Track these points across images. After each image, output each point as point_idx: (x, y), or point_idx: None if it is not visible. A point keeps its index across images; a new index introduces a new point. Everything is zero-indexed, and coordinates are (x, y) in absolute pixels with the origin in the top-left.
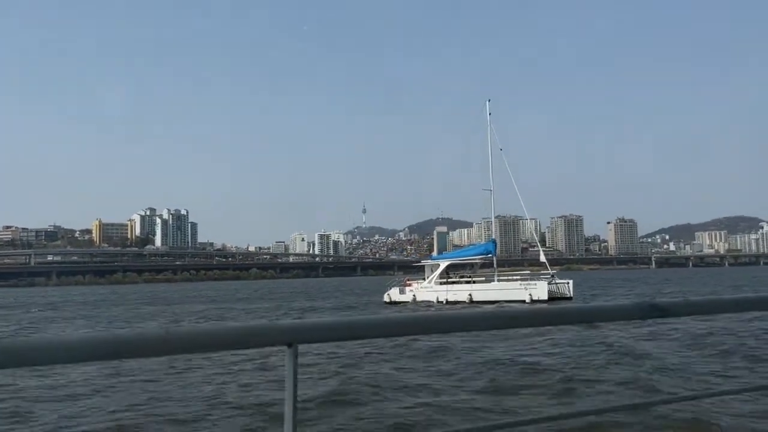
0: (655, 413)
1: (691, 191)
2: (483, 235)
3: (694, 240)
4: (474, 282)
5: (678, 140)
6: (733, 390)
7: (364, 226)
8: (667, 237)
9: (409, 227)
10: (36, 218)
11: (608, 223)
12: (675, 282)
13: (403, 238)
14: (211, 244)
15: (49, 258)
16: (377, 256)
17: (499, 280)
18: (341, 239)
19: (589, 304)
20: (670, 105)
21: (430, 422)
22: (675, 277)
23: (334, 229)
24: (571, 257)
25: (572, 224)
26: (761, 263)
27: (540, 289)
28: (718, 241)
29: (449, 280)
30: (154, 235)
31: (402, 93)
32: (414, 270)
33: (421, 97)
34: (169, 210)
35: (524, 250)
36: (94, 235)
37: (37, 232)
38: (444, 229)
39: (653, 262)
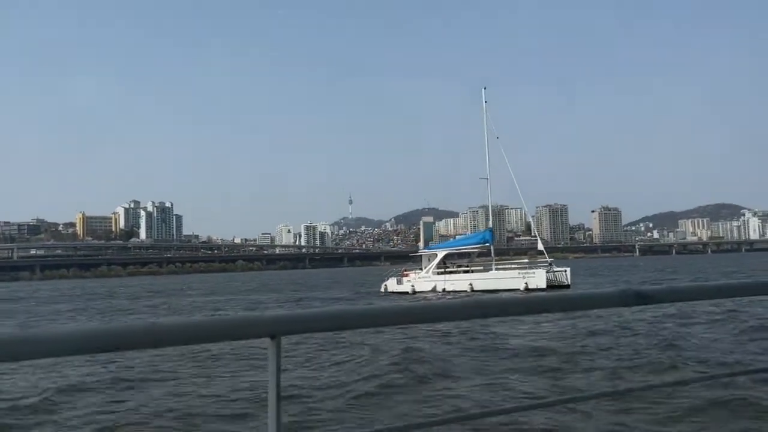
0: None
1: (674, 179)
2: (469, 225)
3: (678, 228)
4: (472, 271)
5: (662, 128)
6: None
7: (350, 216)
8: (651, 225)
9: (396, 218)
10: (18, 212)
11: (593, 211)
12: (669, 269)
13: (390, 229)
14: (197, 237)
15: (32, 252)
16: (364, 246)
17: (496, 269)
18: (327, 230)
19: (573, 292)
20: (650, 93)
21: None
22: (660, 264)
23: (321, 220)
24: (557, 246)
25: (557, 213)
26: (743, 250)
27: (539, 278)
28: (700, 228)
29: (447, 269)
30: (138, 227)
31: (387, 83)
32: (402, 260)
33: (407, 88)
34: (153, 202)
35: (510, 239)
36: (77, 228)
37: (20, 225)
38: (430, 219)
39: (637, 250)
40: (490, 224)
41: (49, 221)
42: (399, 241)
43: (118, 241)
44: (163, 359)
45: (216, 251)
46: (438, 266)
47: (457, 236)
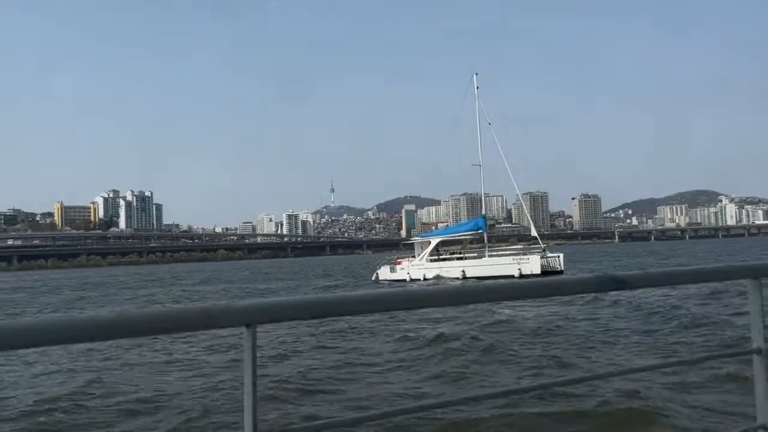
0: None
1: (653, 166)
2: (451, 213)
3: (656, 214)
4: (465, 258)
5: (640, 116)
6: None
7: (332, 205)
8: (630, 212)
9: (378, 206)
10: None
11: (573, 198)
12: (653, 253)
13: (372, 217)
14: (177, 226)
15: (9, 242)
16: (346, 235)
17: (489, 256)
18: (310, 219)
19: (553, 278)
20: (628, 80)
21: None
22: (639, 250)
23: (303, 208)
24: (537, 233)
25: (537, 200)
26: (720, 236)
27: (533, 264)
28: (679, 215)
29: (440, 257)
30: (118, 217)
31: (371, 73)
32: (384, 248)
33: (392, 75)
34: (133, 191)
35: (491, 226)
36: (55, 218)
37: None
38: (412, 207)
39: (616, 237)
40: (483, 211)
41: (26, 211)
42: (381, 230)
43: (98, 231)
44: (135, 348)
45: (197, 240)
46: (431, 254)
47: (439, 224)
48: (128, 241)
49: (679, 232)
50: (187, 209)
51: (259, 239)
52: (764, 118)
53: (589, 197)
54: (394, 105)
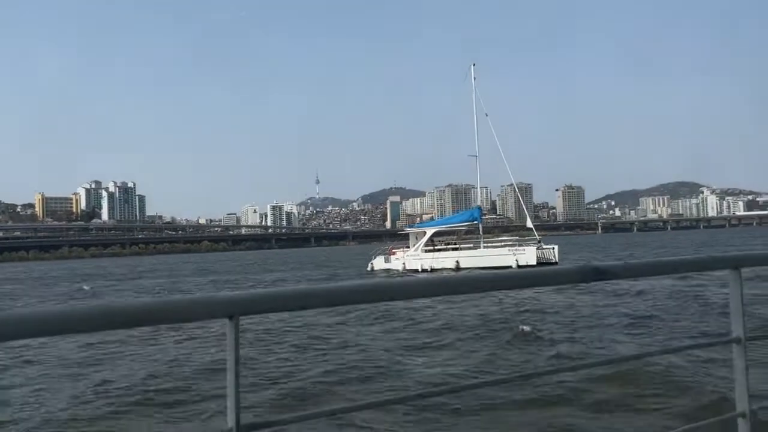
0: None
1: (636, 158)
2: (436, 204)
3: (639, 205)
4: (460, 249)
5: (624, 108)
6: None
7: (317, 196)
8: (613, 203)
9: (363, 197)
10: None
11: (556, 190)
12: (647, 245)
13: (357, 209)
14: (160, 217)
15: None
16: (331, 226)
17: (485, 247)
18: (294, 210)
19: (536, 269)
20: (611, 72)
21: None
22: (622, 241)
23: (287, 200)
24: (521, 224)
25: (522, 192)
26: (701, 227)
27: (529, 255)
28: (661, 206)
29: (435, 247)
30: (100, 208)
31: (358, 63)
32: (369, 239)
33: (377, 66)
34: (115, 182)
35: None
36: (36, 209)
37: None
38: (397, 198)
39: (599, 228)
40: (479, 202)
41: (6, 202)
42: (366, 221)
43: (80, 222)
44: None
45: (180, 232)
46: (426, 244)
47: (424, 216)
48: (111, 232)
49: (661, 223)
50: (171, 200)
51: (243, 231)
52: (744, 110)
53: (573, 188)
54: (380, 95)
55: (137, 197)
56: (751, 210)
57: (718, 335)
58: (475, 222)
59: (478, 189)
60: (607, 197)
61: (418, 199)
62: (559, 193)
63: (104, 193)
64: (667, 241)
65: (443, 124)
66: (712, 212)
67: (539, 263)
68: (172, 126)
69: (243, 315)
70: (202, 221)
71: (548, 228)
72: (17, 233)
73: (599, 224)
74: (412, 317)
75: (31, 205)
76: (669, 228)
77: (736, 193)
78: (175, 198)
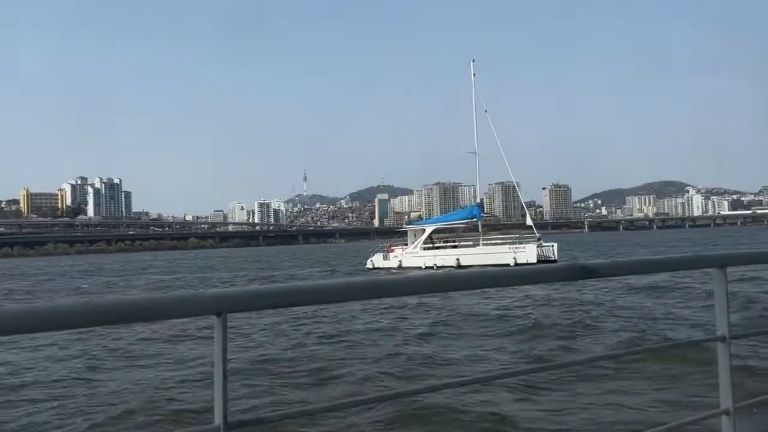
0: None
1: (622, 157)
2: (423, 202)
3: (625, 204)
4: (460, 247)
5: (611, 107)
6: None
7: (305, 194)
8: (600, 202)
9: (351, 195)
10: None
11: (543, 188)
12: (646, 243)
13: (345, 206)
14: (147, 214)
15: None
16: (318, 224)
17: (484, 244)
18: (282, 207)
19: (524, 267)
20: (599, 71)
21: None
22: (614, 239)
23: (275, 197)
24: (508, 222)
25: (509, 190)
26: (686, 226)
27: (529, 253)
28: (647, 205)
29: (435, 245)
30: (86, 205)
31: (347, 59)
32: (357, 237)
33: (367, 64)
34: (101, 179)
35: None
36: (21, 205)
37: None
38: (385, 196)
39: (586, 226)
40: (479, 200)
41: None
42: (354, 219)
43: (65, 219)
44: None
45: (167, 229)
46: (425, 242)
47: (411, 214)
48: (96, 229)
49: (647, 222)
50: (157, 197)
51: (230, 228)
52: (731, 110)
53: (560, 187)
54: (368, 96)
55: (123, 193)
56: (736, 209)
57: (703, 333)
58: (475, 219)
59: (477, 186)
60: (593, 196)
61: (406, 197)
62: (546, 192)
63: (90, 190)
64: (656, 239)
65: (431, 122)
66: (697, 211)
67: (539, 261)
68: (159, 122)
69: (231, 312)
70: (189, 218)
71: (535, 226)
72: (1, 229)
73: (586, 223)
74: (404, 316)
75: (16, 201)
76: (655, 227)
77: (721, 192)
78: (161, 194)
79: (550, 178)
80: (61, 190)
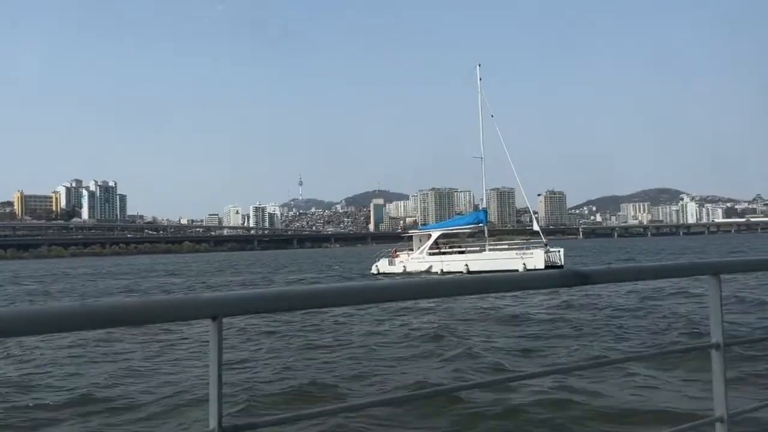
0: None
1: (617, 164)
2: (419, 207)
3: (620, 211)
4: (467, 252)
5: (606, 115)
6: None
7: (300, 198)
8: (594, 208)
9: (346, 199)
10: None
11: (539, 195)
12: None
13: (340, 211)
14: (141, 217)
15: None
16: (314, 228)
17: (490, 249)
18: (277, 212)
19: (519, 273)
20: (593, 77)
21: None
22: (611, 245)
23: (270, 201)
24: (503, 228)
25: (504, 196)
26: (680, 233)
27: (537, 258)
28: (641, 212)
29: (441, 250)
30: (80, 207)
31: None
32: (352, 242)
33: (360, 70)
34: (96, 181)
35: None
36: (15, 207)
37: None
38: (381, 201)
39: (581, 233)
40: (484, 205)
41: None
42: (349, 223)
43: (59, 221)
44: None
45: (161, 232)
46: (431, 247)
47: (407, 219)
48: (91, 231)
49: (641, 229)
50: (152, 200)
51: (225, 231)
52: (725, 118)
53: (555, 194)
54: (365, 100)
55: (118, 196)
56: (730, 217)
57: (697, 340)
58: (481, 225)
59: (484, 191)
60: (588, 203)
61: (402, 202)
62: (541, 198)
63: (85, 192)
64: (653, 246)
65: (428, 128)
66: (691, 219)
67: (547, 267)
68: (155, 125)
69: (226, 316)
70: (184, 221)
71: (530, 232)
72: None
73: (580, 229)
74: (406, 323)
75: (10, 203)
76: (649, 234)
77: (715, 200)
78: (156, 198)
79: (545, 184)
80: (55, 192)
